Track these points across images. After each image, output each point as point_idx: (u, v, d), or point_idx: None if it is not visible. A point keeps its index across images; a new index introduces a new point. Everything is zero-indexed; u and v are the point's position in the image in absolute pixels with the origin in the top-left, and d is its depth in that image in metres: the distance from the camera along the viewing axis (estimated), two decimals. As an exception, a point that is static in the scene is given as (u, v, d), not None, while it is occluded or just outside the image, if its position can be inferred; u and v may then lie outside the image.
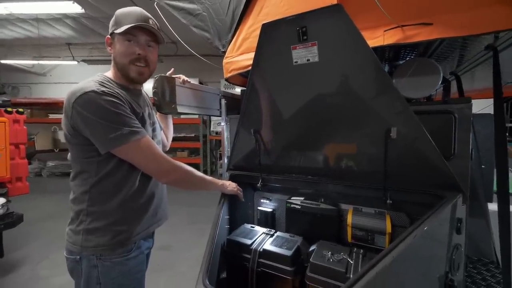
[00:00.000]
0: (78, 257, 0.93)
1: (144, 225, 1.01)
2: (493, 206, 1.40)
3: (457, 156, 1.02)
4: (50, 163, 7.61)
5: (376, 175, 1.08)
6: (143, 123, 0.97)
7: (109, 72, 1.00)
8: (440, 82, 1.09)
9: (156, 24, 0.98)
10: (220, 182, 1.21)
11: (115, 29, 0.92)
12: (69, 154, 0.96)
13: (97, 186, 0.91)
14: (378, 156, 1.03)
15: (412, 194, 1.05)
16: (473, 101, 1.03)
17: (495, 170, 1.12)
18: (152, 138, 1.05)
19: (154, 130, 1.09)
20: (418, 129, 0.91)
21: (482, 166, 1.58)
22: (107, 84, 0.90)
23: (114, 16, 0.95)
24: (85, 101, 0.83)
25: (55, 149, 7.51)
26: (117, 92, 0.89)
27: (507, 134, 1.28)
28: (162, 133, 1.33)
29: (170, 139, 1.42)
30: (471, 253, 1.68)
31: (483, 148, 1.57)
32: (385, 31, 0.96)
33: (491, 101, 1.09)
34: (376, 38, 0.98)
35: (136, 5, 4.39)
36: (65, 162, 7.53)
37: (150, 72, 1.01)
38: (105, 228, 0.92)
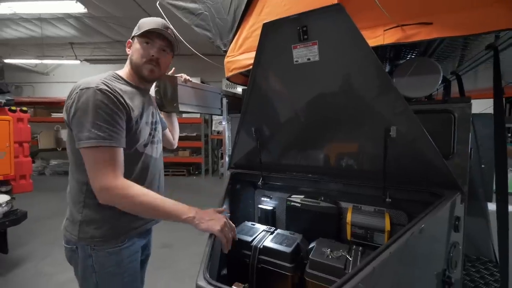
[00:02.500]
0: (75, 246, 0.97)
1: (140, 221, 1.04)
2: (492, 206, 1.40)
3: (456, 155, 1.03)
4: (53, 162, 7.68)
5: (375, 173, 1.09)
6: (137, 123, 0.98)
7: (121, 71, 1.06)
8: (440, 82, 1.10)
9: (174, 34, 1.07)
10: (191, 213, 0.88)
11: (136, 33, 1.02)
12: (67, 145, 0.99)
13: None
14: (378, 155, 1.03)
15: (411, 193, 1.06)
16: (475, 101, 1.04)
17: (494, 169, 1.13)
18: (153, 137, 1.09)
19: (155, 129, 1.12)
20: (417, 128, 0.91)
21: (482, 166, 1.58)
22: (111, 83, 0.93)
23: (138, 23, 1.04)
24: (80, 95, 0.87)
25: (58, 148, 7.57)
26: (118, 92, 0.92)
27: (507, 134, 1.29)
28: (167, 132, 1.38)
29: (177, 137, 1.45)
30: (470, 252, 1.69)
31: (483, 148, 1.57)
32: (385, 30, 0.97)
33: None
34: (376, 38, 0.99)
35: (140, 5, 4.39)
36: (68, 161, 7.60)
37: (160, 72, 1.07)
38: (101, 220, 0.95)
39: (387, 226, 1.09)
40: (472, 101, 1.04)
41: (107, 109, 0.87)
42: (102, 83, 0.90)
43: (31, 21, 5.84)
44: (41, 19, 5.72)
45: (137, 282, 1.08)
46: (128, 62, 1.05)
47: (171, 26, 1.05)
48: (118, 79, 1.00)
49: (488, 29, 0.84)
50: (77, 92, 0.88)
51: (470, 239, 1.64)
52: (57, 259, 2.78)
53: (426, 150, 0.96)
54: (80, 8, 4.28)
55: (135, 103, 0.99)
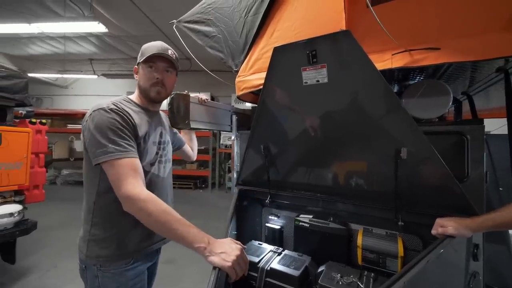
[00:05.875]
0: (84, 265, 1.00)
1: (147, 241, 1.05)
2: (513, 232, 1.33)
3: (471, 178, 1.00)
4: (65, 172, 7.88)
5: (386, 195, 1.06)
6: (144, 142, 1.04)
7: (132, 95, 1.15)
8: (450, 103, 1.10)
9: (175, 54, 1.12)
10: (203, 242, 0.79)
11: (140, 59, 1.08)
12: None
13: (101, 198, 0.97)
14: (389, 176, 1.02)
15: (424, 216, 1.03)
16: (491, 120, 1.02)
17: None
18: (160, 156, 1.13)
19: (163, 149, 1.16)
20: (428, 149, 0.90)
21: (500, 189, 1.52)
22: (120, 105, 1.00)
23: (141, 49, 1.11)
24: (94, 116, 0.94)
25: (70, 158, 7.79)
26: (126, 112, 0.99)
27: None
28: (186, 147, 1.49)
29: (195, 150, 1.57)
30: (492, 282, 1.57)
31: (500, 170, 1.52)
32: (393, 54, 0.99)
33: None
34: (384, 61, 1.01)
35: (156, 25, 4.69)
36: (79, 171, 7.79)
37: (166, 92, 1.14)
38: (108, 240, 0.97)
39: (401, 252, 1.04)
40: (485, 120, 1.03)
41: (118, 125, 0.94)
42: (112, 104, 0.98)
43: (56, 39, 6.28)
44: (65, 37, 6.14)
45: None
46: (137, 87, 1.13)
47: (170, 48, 1.11)
48: (128, 102, 1.08)
49: (497, 55, 0.85)
50: (90, 114, 0.96)
51: (491, 268, 1.54)
52: (62, 271, 2.77)
53: (439, 172, 0.93)
54: (102, 28, 4.58)
55: (142, 123, 1.05)
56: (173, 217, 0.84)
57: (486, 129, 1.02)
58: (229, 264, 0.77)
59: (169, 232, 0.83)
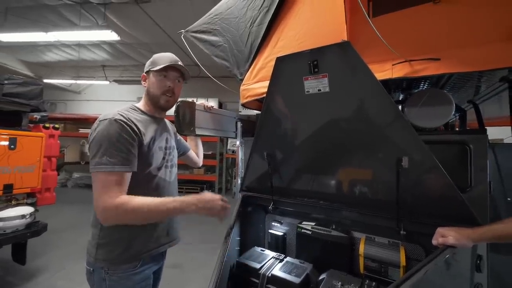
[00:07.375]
0: (92, 269, 1.02)
1: (154, 243, 1.07)
2: (523, 244, 1.28)
3: (474, 188, 0.99)
4: (76, 175, 8.07)
5: (389, 203, 1.06)
6: (149, 148, 1.07)
7: (139, 103, 1.19)
8: (452, 113, 1.09)
9: (183, 67, 1.18)
10: (193, 205, 0.97)
11: (152, 68, 1.12)
12: None
13: None
14: (391, 185, 1.02)
15: (427, 226, 1.02)
16: (504, 128, 1.01)
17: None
18: (166, 161, 1.16)
19: (169, 154, 1.19)
20: (429, 159, 0.90)
21: (508, 199, 1.47)
22: (127, 114, 1.03)
23: (152, 58, 1.16)
24: (99, 125, 0.98)
25: (81, 162, 7.98)
26: (131, 121, 1.01)
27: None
28: (191, 153, 1.51)
29: (201, 155, 1.59)
30: (501, 296, 1.52)
31: (508, 180, 1.48)
32: (393, 64, 1.00)
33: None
34: (385, 71, 1.02)
35: (166, 33, 4.80)
36: (89, 174, 7.95)
37: (174, 101, 1.19)
38: (115, 243, 1.00)
39: (403, 261, 1.04)
40: (499, 128, 1.02)
41: (120, 137, 0.95)
42: (119, 114, 1.00)
43: (71, 46, 6.54)
44: (79, 45, 6.39)
45: None
46: (145, 94, 1.17)
47: (179, 60, 1.17)
48: (135, 110, 1.12)
49: (498, 65, 0.85)
50: (97, 123, 0.99)
51: (500, 281, 1.48)
52: (70, 273, 2.82)
53: (440, 182, 0.93)
54: (114, 36, 4.76)
55: (148, 130, 1.08)
56: (155, 201, 0.94)
57: (499, 137, 1.01)
58: (216, 212, 0.98)
59: (162, 213, 0.95)
